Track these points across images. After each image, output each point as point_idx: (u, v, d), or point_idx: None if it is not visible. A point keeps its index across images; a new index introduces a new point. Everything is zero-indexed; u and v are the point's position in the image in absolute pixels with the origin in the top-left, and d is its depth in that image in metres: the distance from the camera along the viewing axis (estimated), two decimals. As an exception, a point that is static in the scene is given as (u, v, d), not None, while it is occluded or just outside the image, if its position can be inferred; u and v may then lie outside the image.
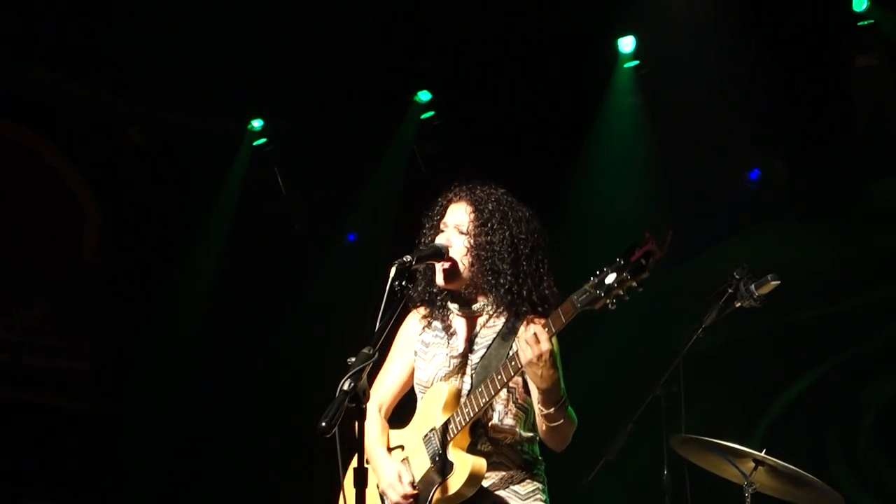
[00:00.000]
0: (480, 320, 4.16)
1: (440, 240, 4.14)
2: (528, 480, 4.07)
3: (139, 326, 8.78)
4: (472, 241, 4.09)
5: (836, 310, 7.42)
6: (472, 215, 4.14)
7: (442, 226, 4.20)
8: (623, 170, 7.65)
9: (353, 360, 3.59)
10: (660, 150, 7.55)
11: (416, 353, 4.27)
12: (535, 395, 3.96)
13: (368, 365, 3.59)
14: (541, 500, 4.07)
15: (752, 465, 4.83)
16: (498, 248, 4.07)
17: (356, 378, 3.53)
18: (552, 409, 3.87)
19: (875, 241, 7.30)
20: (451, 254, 4.10)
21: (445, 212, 4.23)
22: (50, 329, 8.61)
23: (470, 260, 4.09)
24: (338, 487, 3.95)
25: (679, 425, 5.07)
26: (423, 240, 4.23)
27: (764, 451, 4.77)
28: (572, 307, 3.67)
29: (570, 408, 3.94)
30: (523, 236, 4.13)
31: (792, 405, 7.45)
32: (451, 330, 4.19)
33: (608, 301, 3.58)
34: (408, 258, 3.92)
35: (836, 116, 7.18)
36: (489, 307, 4.14)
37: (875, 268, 7.32)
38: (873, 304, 7.29)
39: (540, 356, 3.73)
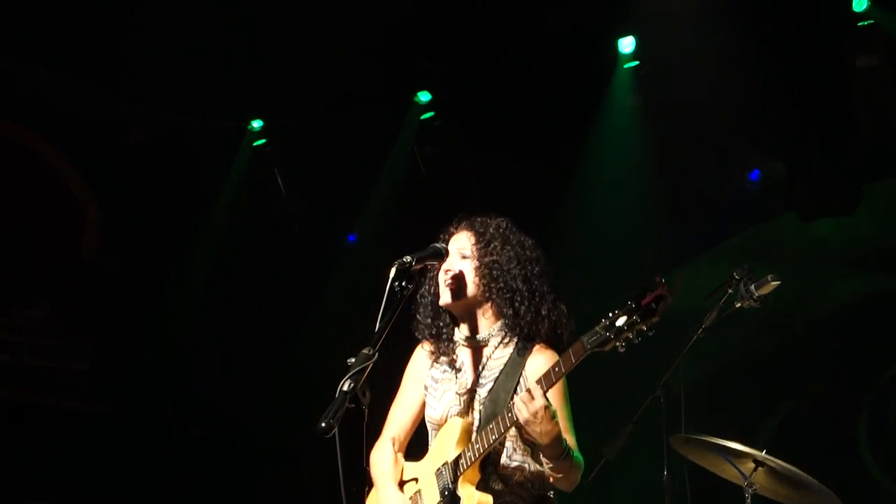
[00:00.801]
0: (486, 351, 4.15)
1: (446, 266, 4.14)
2: None
3: (139, 326, 8.78)
4: (476, 263, 4.11)
5: (836, 310, 7.42)
6: (473, 239, 4.16)
7: (448, 256, 4.18)
8: (623, 170, 7.64)
9: (353, 360, 3.59)
10: (660, 151, 7.54)
11: (426, 389, 4.25)
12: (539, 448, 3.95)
13: (368, 366, 3.59)
14: None
15: (753, 465, 4.83)
16: (507, 267, 4.10)
17: (356, 379, 3.54)
18: (555, 462, 3.89)
19: (875, 241, 7.30)
20: (452, 283, 4.10)
21: (448, 245, 4.21)
22: (50, 329, 8.61)
23: (477, 281, 4.10)
24: (337, 488, 3.94)
25: (679, 426, 5.07)
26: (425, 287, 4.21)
27: (764, 451, 4.77)
28: (583, 348, 3.72)
29: (576, 453, 3.95)
30: (532, 256, 4.15)
31: (793, 406, 7.44)
32: (458, 364, 4.18)
33: (618, 343, 3.66)
34: (407, 259, 3.92)
35: (837, 116, 7.17)
36: (496, 336, 4.13)
37: (876, 268, 7.32)
38: (874, 305, 7.29)
39: (535, 414, 3.75)
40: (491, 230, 4.17)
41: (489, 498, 3.96)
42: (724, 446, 4.80)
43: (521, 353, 4.06)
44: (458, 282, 4.11)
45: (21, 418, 8.32)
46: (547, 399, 3.77)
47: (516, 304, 4.07)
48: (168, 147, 8.74)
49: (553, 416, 3.79)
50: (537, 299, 4.09)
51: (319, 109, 8.34)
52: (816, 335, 7.38)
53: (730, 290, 4.93)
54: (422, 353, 4.31)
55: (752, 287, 4.86)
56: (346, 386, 3.52)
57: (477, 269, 4.11)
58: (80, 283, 8.72)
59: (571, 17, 7.50)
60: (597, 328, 3.67)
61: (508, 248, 4.14)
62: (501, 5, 7.51)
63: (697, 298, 5.17)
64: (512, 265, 4.10)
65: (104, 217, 8.83)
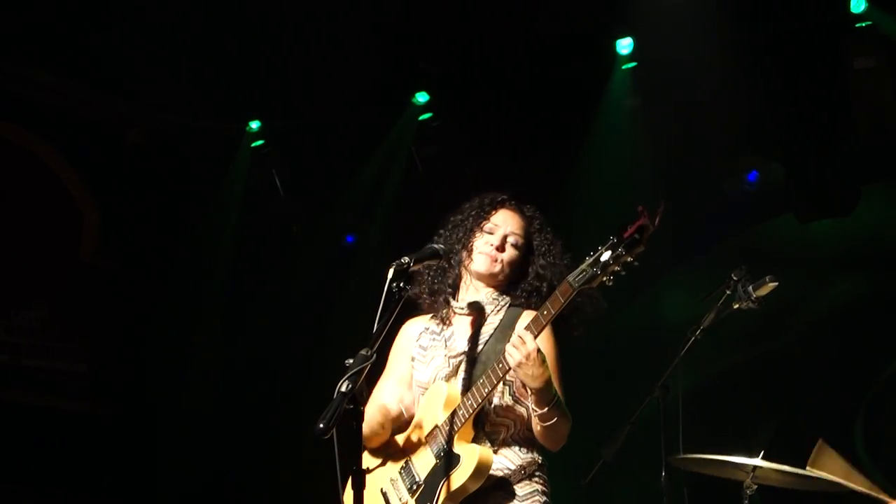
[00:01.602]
0: (480, 318, 4.20)
1: (492, 240, 4.21)
2: (527, 481, 4.09)
3: (137, 328, 8.77)
4: (530, 259, 4.22)
5: (834, 311, 7.43)
6: (524, 228, 4.27)
7: (492, 226, 4.26)
8: (621, 171, 7.64)
9: (351, 361, 3.59)
10: (657, 152, 7.54)
11: (413, 359, 4.29)
12: (528, 396, 3.97)
13: (367, 366, 3.59)
14: (539, 502, 4.08)
15: (752, 467, 4.86)
16: (545, 262, 4.22)
17: (354, 379, 3.53)
18: (545, 409, 3.89)
19: (873, 243, 7.30)
20: (501, 257, 4.20)
21: (490, 214, 4.29)
22: (48, 331, 8.61)
23: (518, 270, 4.21)
24: (336, 488, 3.94)
25: (678, 427, 5.07)
26: (461, 231, 4.29)
27: (762, 454, 4.79)
28: (570, 287, 3.75)
29: (564, 406, 3.97)
30: (557, 243, 4.28)
31: (793, 405, 7.45)
32: (451, 331, 4.23)
33: (605, 278, 3.68)
34: (405, 259, 3.93)
35: (835, 118, 7.18)
36: (491, 304, 4.20)
37: (874, 269, 7.32)
38: (872, 305, 7.30)
39: (528, 356, 3.78)
40: (537, 224, 4.28)
41: (490, 451, 3.97)
42: (721, 461, 4.83)
43: (513, 317, 4.12)
44: (502, 264, 4.19)
45: (20, 420, 8.31)
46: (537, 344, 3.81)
47: (533, 286, 4.17)
48: (166, 148, 8.74)
49: (543, 361, 3.82)
50: (544, 276, 4.18)
51: (317, 110, 8.34)
52: (814, 336, 7.37)
53: (728, 292, 4.94)
54: (409, 328, 4.36)
55: (750, 288, 4.87)
56: (344, 387, 3.52)
57: (532, 267, 4.20)
58: (78, 285, 8.71)
59: (570, 19, 7.50)
60: (582, 266, 3.71)
61: (553, 247, 4.25)
62: (500, 6, 7.51)
63: (696, 299, 5.18)
64: (557, 267, 4.19)
65: (102, 218, 8.83)
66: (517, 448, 4.09)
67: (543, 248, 4.23)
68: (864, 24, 6.96)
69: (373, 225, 8.50)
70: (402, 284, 3.88)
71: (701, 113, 7.23)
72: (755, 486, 4.88)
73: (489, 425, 4.05)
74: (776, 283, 4.88)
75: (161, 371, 8.71)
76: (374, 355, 3.65)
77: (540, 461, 4.14)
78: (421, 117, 8.26)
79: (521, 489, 4.06)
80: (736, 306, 4.93)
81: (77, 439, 8.45)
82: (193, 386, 8.63)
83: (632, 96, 7.65)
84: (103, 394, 8.69)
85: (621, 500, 7.25)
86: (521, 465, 4.07)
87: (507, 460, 4.06)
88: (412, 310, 4.36)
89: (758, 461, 4.80)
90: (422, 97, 8.18)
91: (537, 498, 4.08)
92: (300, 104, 8.33)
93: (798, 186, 7.36)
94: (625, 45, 7.57)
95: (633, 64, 7.61)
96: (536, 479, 4.11)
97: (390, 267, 3.95)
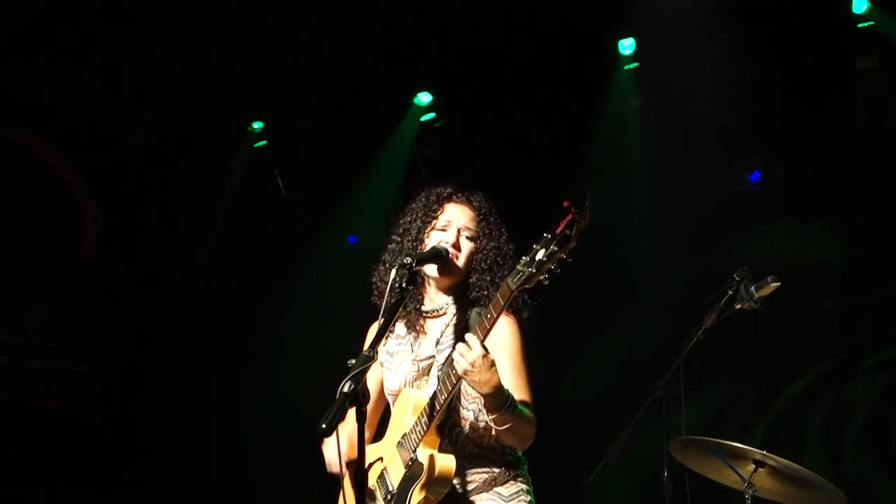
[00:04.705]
0: (444, 319, 4.19)
1: (447, 237, 4.17)
2: (512, 482, 4.09)
3: (140, 328, 8.78)
4: (481, 251, 4.17)
5: (835, 311, 7.43)
6: (475, 219, 4.23)
7: (444, 222, 4.22)
8: (623, 171, 7.64)
9: (353, 361, 3.60)
10: (660, 152, 7.54)
11: (382, 365, 4.28)
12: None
13: (369, 366, 3.60)
14: (524, 501, 4.09)
15: (752, 467, 4.84)
16: (499, 254, 4.18)
17: (357, 380, 3.53)
18: (497, 415, 3.85)
19: (875, 243, 7.31)
20: (460, 255, 4.16)
21: (438, 211, 4.25)
22: (50, 331, 8.61)
23: (474, 264, 4.16)
24: (338, 489, 3.95)
25: (679, 427, 5.07)
26: (413, 232, 4.24)
27: (765, 451, 4.78)
28: (508, 290, 3.71)
29: (521, 408, 3.92)
30: (506, 236, 4.24)
31: (792, 404, 7.46)
32: (415, 334, 4.21)
33: (541, 276, 3.64)
34: (408, 260, 3.93)
35: (837, 118, 7.18)
36: (454, 304, 4.18)
37: (874, 269, 7.33)
38: (873, 305, 7.30)
39: (473, 363, 3.74)
40: (491, 217, 4.25)
41: (451, 458, 3.96)
42: (725, 446, 4.82)
43: (477, 314, 4.08)
44: (454, 263, 4.15)
45: (21, 420, 8.31)
46: (485, 348, 3.77)
47: (493, 282, 4.12)
48: (168, 149, 8.74)
49: (492, 365, 3.78)
50: (501, 277, 4.14)
51: (320, 111, 8.34)
52: (815, 336, 7.38)
53: (730, 292, 4.95)
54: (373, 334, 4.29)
55: (753, 288, 4.88)
56: (346, 387, 3.52)
57: (480, 254, 4.17)
58: (80, 285, 8.71)
59: (572, 19, 7.50)
60: (518, 267, 3.67)
61: (500, 232, 4.22)
62: (502, 7, 7.51)
63: (698, 299, 5.19)
64: (502, 251, 4.18)
65: (105, 219, 8.83)
66: (501, 449, 4.09)
67: (488, 234, 4.20)
68: (865, 25, 6.96)
69: (375, 225, 8.49)
70: (404, 284, 3.88)
71: (703, 113, 7.23)
72: (755, 486, 4.87)
73: (472, 431, 4.04)
74: (778, 284, 4.89)
75: (163, 372, 8.71)
76: (377, 355, 3.66)
77: (523, 458, 4.15)
78: (423, 118, 8.26)
79: (507, 489, 4.07)
80: (738, 307, 4.94)
81: (78, 440, 8.45)
82: (195, 386, 8.63)
83: (634, 96, 7.65)
84: (105, 394, 8.69)
85: (623, 502, 7.26)
86: (504, 466, 4.08)
87: (491, 462, 4.07)
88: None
89: (759, 451, 4.79)
90: (424, 98, 8.18)
91: (523, 497, 4.08)
92: (302, 105, 8.33)
93: (800, 186, 7.37)
94: (627, 46, 7.57)
95: (635, 64, 7.61)
96: (521, 478, 4.11)
97: (392, 267, 3.96)
